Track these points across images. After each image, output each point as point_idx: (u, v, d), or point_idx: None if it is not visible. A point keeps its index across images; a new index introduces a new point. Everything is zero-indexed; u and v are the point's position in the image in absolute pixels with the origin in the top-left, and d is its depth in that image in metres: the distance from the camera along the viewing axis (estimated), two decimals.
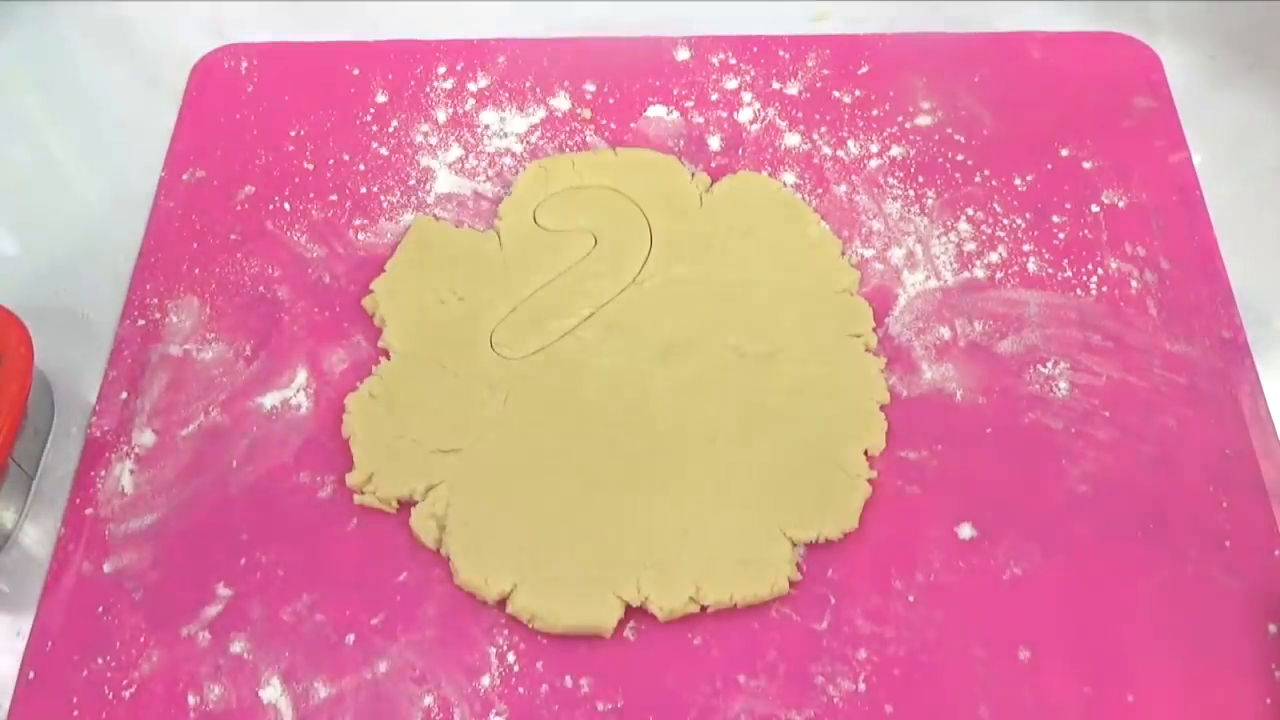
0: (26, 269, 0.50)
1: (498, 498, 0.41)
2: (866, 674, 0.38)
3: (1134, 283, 0.47)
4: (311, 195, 0.50)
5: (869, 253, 0.48)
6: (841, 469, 0.42)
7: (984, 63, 0.55)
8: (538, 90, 0.54)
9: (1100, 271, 0.48)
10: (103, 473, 0.43)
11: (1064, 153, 0.51)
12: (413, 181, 0.51)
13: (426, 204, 0.50)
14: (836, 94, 0.53)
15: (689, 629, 0.39)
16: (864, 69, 0.54)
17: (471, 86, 0.54)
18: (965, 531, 0.41)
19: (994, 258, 0.48)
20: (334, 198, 0.50)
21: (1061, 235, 0.49)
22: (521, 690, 0.38)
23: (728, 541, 0.40)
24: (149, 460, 0.43)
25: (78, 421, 0.45)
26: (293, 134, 0.52)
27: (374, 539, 0.41)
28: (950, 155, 0.51)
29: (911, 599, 0.40)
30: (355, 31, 0.57)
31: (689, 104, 0.53)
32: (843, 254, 0.48)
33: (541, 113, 0.53)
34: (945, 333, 0.46)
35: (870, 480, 0.42)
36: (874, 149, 0.52)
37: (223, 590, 0.40)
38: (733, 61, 0.55)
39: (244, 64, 0.55)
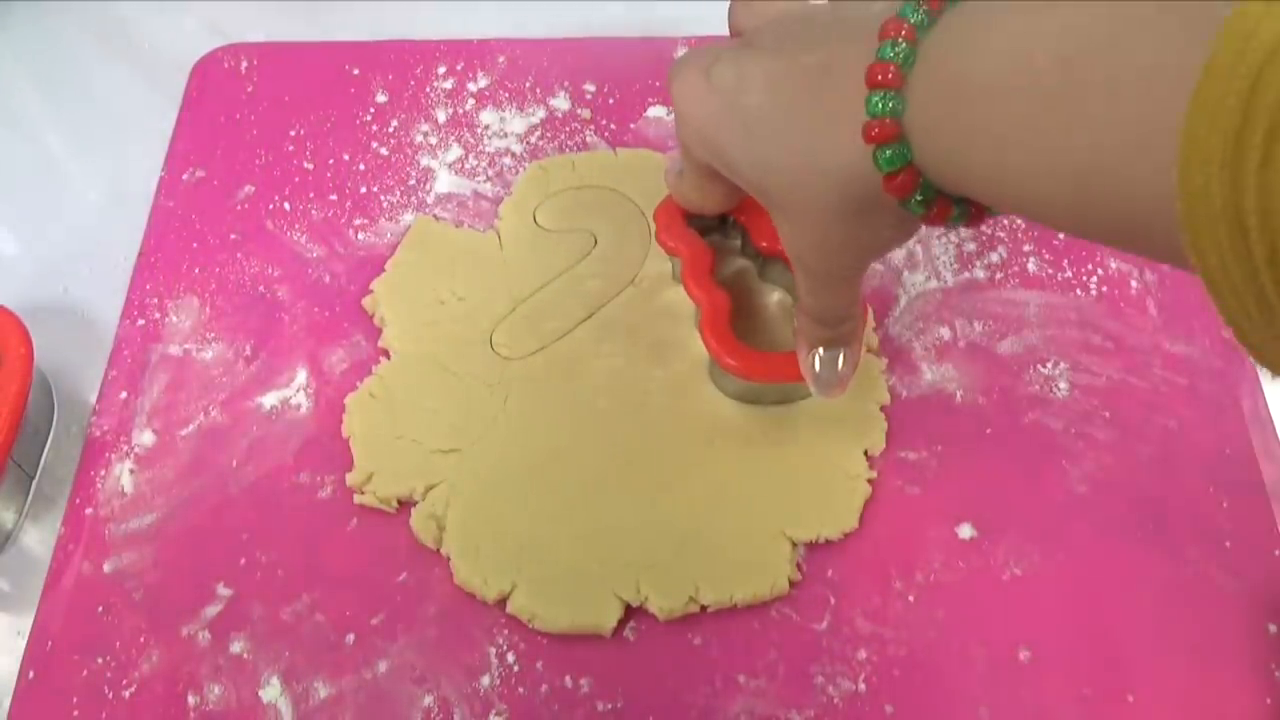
0: (26, 269, 0.50)
1: (497, 498, 0.41)
2: (866, 674, 0.38)
3: (1134, 283, 0.47)
4: (311, 195, 0.50)
5: None
6: (841, 469, 0.42)
7: None
8: (538, 90, 0.54)
9: (1100, 271, 0.48)
10: (103, 473, 0.43)
11: None
12: (413, 181, 0.51)
13: (426, 204, 0.50)
14: None
15: (689, 629, 0.39)
16: None
17: (471, 86, 0.54)
18: (965, 531, 0.41)
19: (994, 258, 0.48)
20: (334, 198, 0.50)
21: (1061, 235, 0.49)
22: (521, 690, 0.38)
23: (728, 541, 0.40)
24: (149, 460, 0.43)
25: (78, 421, 0.45)
26: (293, 134, 0.52)
27: (374, 539, 0.41)
28: None
29: (911, 599, 0.40)
30: (355, 31, 0.57)
31: None
32: None
33: (541, 113, 0.53)
34: (945, 333, 0.46)
35: (870, 480, 0.42)
36: None
37: (223, 590, 0.40)
38: None
39: (244, 64, 0.55)
